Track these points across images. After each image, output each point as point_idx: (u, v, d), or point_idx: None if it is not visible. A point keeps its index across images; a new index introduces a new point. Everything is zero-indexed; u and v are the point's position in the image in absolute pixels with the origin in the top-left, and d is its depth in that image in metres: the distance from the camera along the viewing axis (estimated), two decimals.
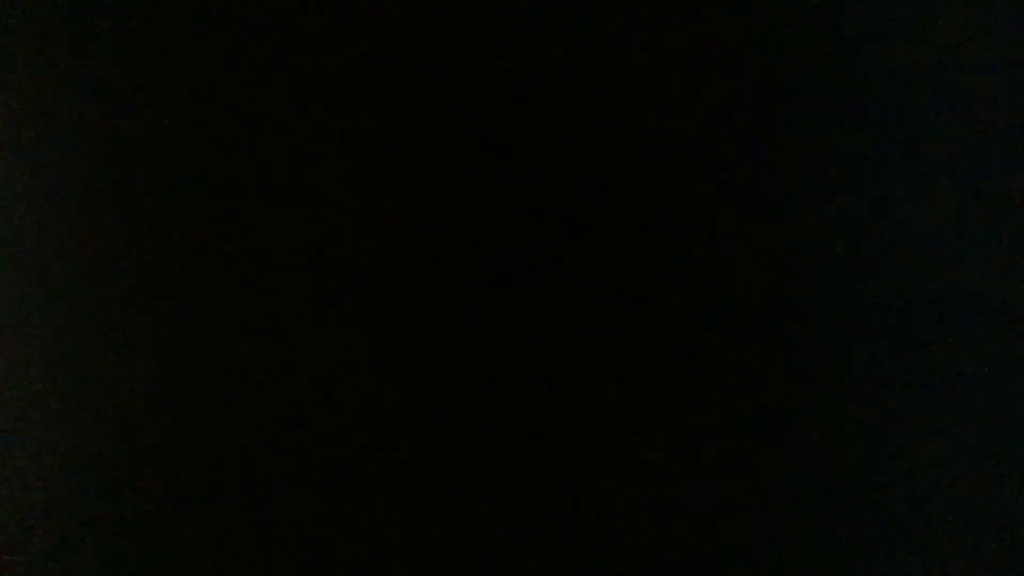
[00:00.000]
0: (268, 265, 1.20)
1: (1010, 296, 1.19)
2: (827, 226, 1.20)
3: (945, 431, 1.18)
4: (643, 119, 1.20)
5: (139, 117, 1.22)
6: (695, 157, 1.20)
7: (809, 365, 1.19)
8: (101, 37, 1.22)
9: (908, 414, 1.18)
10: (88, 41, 1.22)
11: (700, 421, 1.18)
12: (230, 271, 1.20)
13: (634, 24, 1.21)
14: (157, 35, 1.22)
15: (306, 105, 1.21)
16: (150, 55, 1.22)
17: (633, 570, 1.17)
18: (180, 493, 1.18)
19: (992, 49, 1.21)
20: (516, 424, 1.18)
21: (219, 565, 1.18)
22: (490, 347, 1.19)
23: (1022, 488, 1.17)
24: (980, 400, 1.18)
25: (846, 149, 1.20)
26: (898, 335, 1.19)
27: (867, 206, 1.20)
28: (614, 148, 1.20)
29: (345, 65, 1.21)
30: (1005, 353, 1.18)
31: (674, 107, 1.20)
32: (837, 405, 1.18)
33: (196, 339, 1.19)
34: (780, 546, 1.17)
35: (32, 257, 1.20)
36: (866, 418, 1.18)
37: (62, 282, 1.20)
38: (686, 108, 1.21)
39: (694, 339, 1.19)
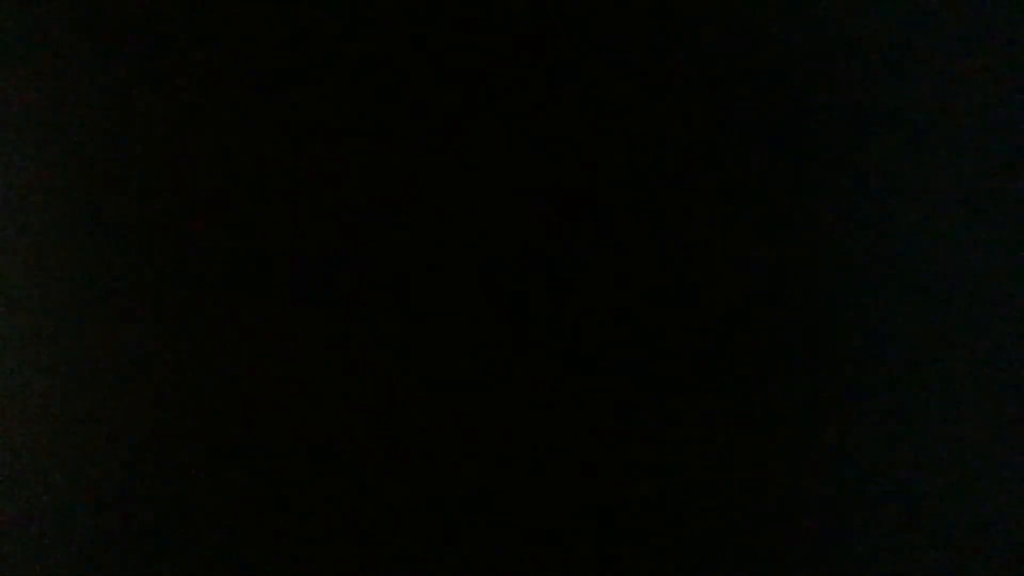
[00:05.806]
0: (269, 267, 1.20)
1: (1010, 296, 1.19)
2: (827, 226, 1.20)
3: (945, 431, 1.18)
4: (642, 119, 1.21)
5: (141, 120, 1.22)
6: (694, 157, 1.20)
7: (808, 365, 1.19)
8: (102, 36, 1.22)
9: (908, 414, 1.18)
10: (89, 41, 1.22)
11: (700, 421, 1.18)
12: (232, 273, 1.20)
13: (634, 24, 1.21)
14: (159, 35, 1.22)
15: (307, 107, 1.21)
16: (152, 55, 1.22)
17: (633, 570, 1.17)
18: (180, 495, 1.19)
19: (992, 49, 1.21)
20: (515, 424, 1.19)
21: (220, 566, 1.18)
22: (490, 347, 1.19)
23: (1022, 488, 1.18)
24: (980, 400, 1.18)
25: (846, 149, 1.20)
26: (898, 335, 1.19)
27: (867, 206, 1.20)
28: (613, 148, 1.20)
29: (346, 65, 1.22)
30: (1005, 353, 1.19)
31: (674, 107, 1.21)
32: (836, 405, 1.18)
33: (198, 340, 1.20)
34: (780, 546, 1.18)
35: (33, 260, 1.21)
36: (866, 418, 1.18)
37: (63, 285, 1.21)
38: (686, 108, 1.21)
39: (693, 338, 1.19)
